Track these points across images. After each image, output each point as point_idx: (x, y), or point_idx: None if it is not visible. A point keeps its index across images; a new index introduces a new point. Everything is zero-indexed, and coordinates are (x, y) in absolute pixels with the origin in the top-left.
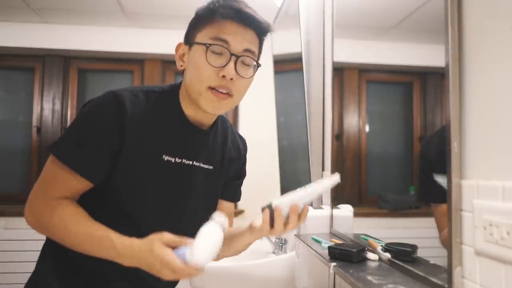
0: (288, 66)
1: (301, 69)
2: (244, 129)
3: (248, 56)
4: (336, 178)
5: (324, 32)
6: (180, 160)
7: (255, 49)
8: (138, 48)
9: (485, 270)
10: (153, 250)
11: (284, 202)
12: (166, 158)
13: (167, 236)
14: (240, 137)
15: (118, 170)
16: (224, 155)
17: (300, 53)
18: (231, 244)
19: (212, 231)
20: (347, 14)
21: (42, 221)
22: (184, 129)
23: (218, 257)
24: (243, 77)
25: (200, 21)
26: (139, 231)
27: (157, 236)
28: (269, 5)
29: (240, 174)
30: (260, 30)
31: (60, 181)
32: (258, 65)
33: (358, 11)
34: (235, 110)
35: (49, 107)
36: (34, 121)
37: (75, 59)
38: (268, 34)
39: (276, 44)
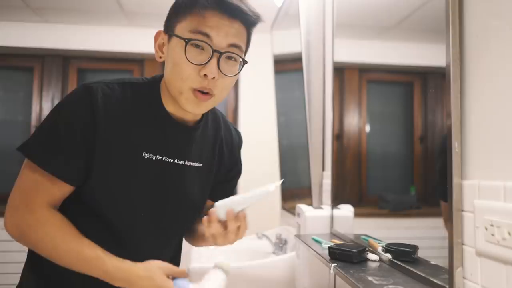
0: (288, 66)
1: (301, 69)
2: (244, 129)
3: (233, 53)
4: (271, 187)
5: (324, 32)
6: (161, 157)
7: (241, 43)
8: (137, 47)
9: (487, 271)
10: (155, 279)
11: (221, 205)
12: (146, 155)
13: (166, 266)
14: (235, 130)
15: (94, 170)
16: (214, 150)
17: (300, 53)
18: (202, 241)
19: (217, 278)
20: (347, 14)
21: (27, 235)
22: (165, 125)
23: (198, 244)
24: (227, 75)
25: (180, 9)
26: (121, 239)
27: (156, 264)
28: (269, 5)
29: (234, 172)
30: (248, 21)
31: (41, 188)
32: (245, 62)
33: (358, 10)
34: (235, 110)
35: (48, 107)
36: (33, 121)
37: (74, 59)
38: (268, 32)
39: (276, 44)
